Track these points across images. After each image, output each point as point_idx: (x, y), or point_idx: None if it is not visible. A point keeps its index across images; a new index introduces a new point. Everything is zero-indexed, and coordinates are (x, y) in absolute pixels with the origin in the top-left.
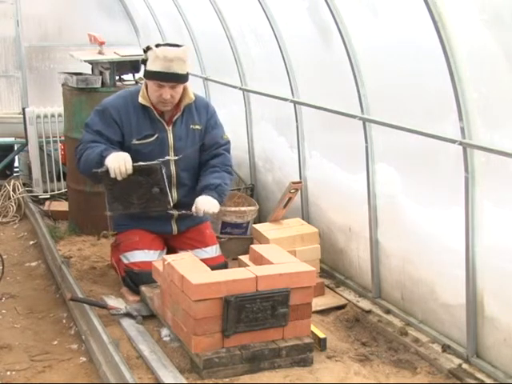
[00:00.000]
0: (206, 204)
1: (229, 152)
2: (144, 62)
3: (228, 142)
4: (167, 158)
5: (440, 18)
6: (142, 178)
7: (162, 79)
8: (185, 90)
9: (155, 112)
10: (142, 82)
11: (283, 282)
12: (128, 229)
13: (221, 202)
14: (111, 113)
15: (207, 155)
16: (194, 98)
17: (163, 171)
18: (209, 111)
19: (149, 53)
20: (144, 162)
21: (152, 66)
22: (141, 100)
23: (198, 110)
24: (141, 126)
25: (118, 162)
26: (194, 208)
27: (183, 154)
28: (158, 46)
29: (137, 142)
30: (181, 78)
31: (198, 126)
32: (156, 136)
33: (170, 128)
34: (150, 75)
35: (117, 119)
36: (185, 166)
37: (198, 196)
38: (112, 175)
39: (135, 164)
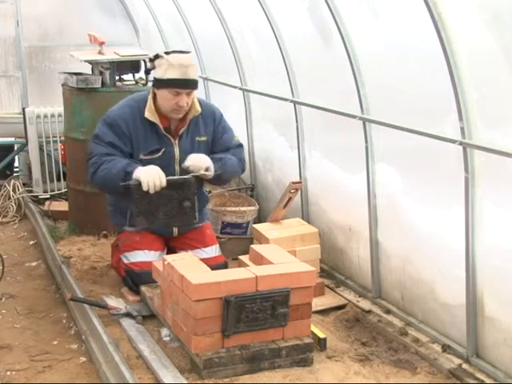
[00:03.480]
0: (197, 159)
1: (241, 154)
2: (149, 71)
3: (240, 145)
4: (198, 173)
5: (440, 18)
6: (174, 191)
7: (180, 86)
8: (192, 101)
9: (162, 128)
10: (143, 82)
11: (283, 282)
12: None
13: (218, 171)
14: (120, 125)
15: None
16: (200, 111)
17: (195, 185)
18: (216, 119)
19: (158, 61)
20: (176, 176)
21: (166, 74)
22: (147, 115)
23: (205, 121)
24: (148, 140)
25: (152, 176)
26: (184, 163)
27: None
28: (167, 53)
29: (143, 158)
30: (196, 84)
31: (203, 138)
32: (163, 151)
33: (176, 142)
34: (165, 84)
35: (126, 132)
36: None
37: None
38: (145, 188)
39: (169, 178)
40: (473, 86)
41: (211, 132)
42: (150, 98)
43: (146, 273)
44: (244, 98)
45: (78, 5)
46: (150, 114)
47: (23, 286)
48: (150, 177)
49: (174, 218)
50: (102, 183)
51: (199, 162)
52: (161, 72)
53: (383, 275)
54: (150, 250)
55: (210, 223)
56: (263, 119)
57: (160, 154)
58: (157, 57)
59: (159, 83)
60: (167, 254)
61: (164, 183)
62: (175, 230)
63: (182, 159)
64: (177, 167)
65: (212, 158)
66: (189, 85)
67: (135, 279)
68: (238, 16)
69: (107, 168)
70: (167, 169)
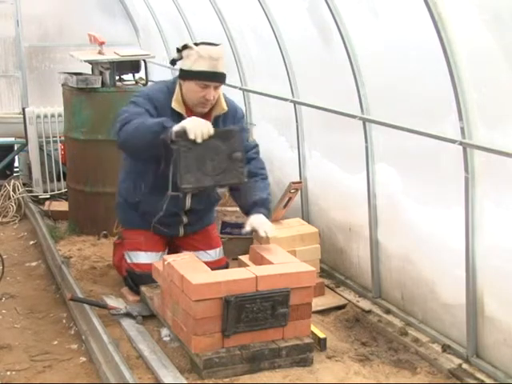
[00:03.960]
0: (264, 225)
1: (259, 154)
2: (175, 61)
3: (256, 146)
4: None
5: (440, 18)
6: (221, 143)
7: (209, 79)
8: (219, 97)
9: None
10: (143, 81)
11: (283, 282)
12: (134, 228)
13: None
14: (156, 105)
15: None
16: (226, 109)
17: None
18: (236, 117)
19: (186, 52)
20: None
21: (194, 65)
22: (174, 105)
23: (226, 119)
24: None
25: (199, 123)
26: (247, 226)
27: None
28: (196, 44)
29: None
30: (225, 78)
31: None
32: None
33: None
34: (192, 75)
35: (157, 113)
36: None
37: (245, 209)
38: (191, 136)
39: (215, 128)
40: (473, 86)
41: None
42: (177, 88)
43: (146, 275)
44: (244, 97)
45: (78, 5)
46: (177, 104)
47: (23, 286)
48: (197, 124)
49: (224, 173)
50: (131, 136)
51: (268, 230)
52: (189, 63)
53: (383, 275)
54: (153, 251)
55: (216, 224)
56: (263, 119)
57: None
58: (185, 47)
59: (187, 74)
60: (169, 252)
61: (212, 130)
62: (181, 230)
63: None
64: None
65: (261, 206)
66: (218, 78)
67: (136, 280)
68: (238, 16)
69: (140, 122)
70: None
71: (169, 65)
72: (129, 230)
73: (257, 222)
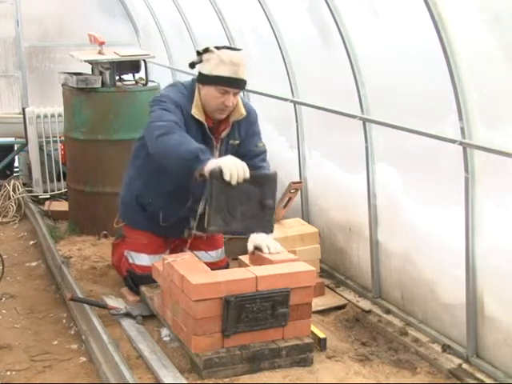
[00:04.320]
0: (266, 241)
1: (265, 161)
2: (194, 64)
3: (264, 151)
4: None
5: (440, 18)
6: (255, 188)
7: (230, 85)
8: (237, 102)
9: (207, 127)
10: (143, 81)
11: (283, 282)
12: (139, 229)
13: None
14: (182, 111)
15: None
16: (244, 114)
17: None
18: (251, 120)
19: (207, 55)
20: (258, 171)
21: (215, 70)
22: (194, 112)
23: (241, 124)
24: (194, 138)
25: (236, 165)
26: (250, 245)
27: None
28: (217, 48)
29: None
30: (245, 85)
31: (237, 141)
32: None
33: (218, 146)
34: (212, 80)
35: (184, 121)
36: None
37: None
38: (227, 178)
39: (251, 171)
40: (473, 86)
41: (244, 134)
42: (196, 94)
43: (147, 276)
44: (244, 97)
45: (78, 5)
46: (196, 111)
47: (23, 285)
48: (234, 166)
49: (252, 219)
50: (166, 152)
51: (272, 247)
52: (209, 67)
53: (383, 275)
54: (155, 254)
55: None
56: (263, 119)
57: None
58: (206, 50)
59: (206, 79)
60: (171, 251)
61: (248, 174)
62: (186, 232)
63: None
64: None
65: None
66: (238, 84)
67: (136, 281)
68: (238, 16)
69: (178, 142)
70: None
71: (169, 65)
72: (132, 229)
73: (259, 239)
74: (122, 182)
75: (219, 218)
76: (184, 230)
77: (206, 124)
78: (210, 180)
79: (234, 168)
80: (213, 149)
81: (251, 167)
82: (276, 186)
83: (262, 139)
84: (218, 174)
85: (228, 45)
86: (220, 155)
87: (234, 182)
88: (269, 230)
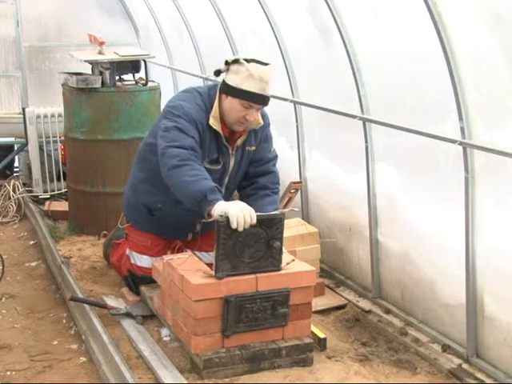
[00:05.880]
0: None
1: (275, 166)
2: (220, 72)
3: (276, 156)
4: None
5: (440, 18)
6: (262, 230)
7: (256, 101)
8: None
9: (223, 137)
10: (143, 81)
11: (283, 282)
12: (143, 231)
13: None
14: (198, 126)
15: (254, 170)
16: (262, 124)
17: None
18: (264, 126)
19: (236, 67)
20: (264, 213)
21: (243, 84)
22: (212, 122)
23: (257, 130)
24: (210, 148)
25: (243, 212)
26: None
27: (234, 180)
28: (247, 61)
29: (207, 166)
30: (269, 101)
31: (253, 148)
32: (222, 163)
33: (233, 153)
34: (239, 94)
35: (200, 134)
36: (233, 187)
37: None
38: (234, 226)
39: (258, 214)
40: (473, 86)
41: (258, 141)
42: (216, 103)
43: (147, 277)
44: None
45: (77, 5)
46: (214, 121)
47: (23, 285)
48: (240, 213)
49: (260, 260)
50: (175, 185)
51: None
52: (237, 80)
53: (383, 275)
54: (158, 256)
55: None
56: None
57: (220, 166)
58: (235, 62)
59: (232, 91)
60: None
61: (254, 220)
62: (190, 235)
63: (233, 171)
64: (226, 179)
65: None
66: (264, 101)
67: (136, 281)
68: (238, 16)
69: (190, 177)
70: (219, 181)
71: (169, 65)
72: (136, 230)
73: None
74: (127, 182)
75: (227, 262)
76: (188, 234)
77: (222, 135)
78: (217, 227)
79: (240, 215)
80: (228, 157)
81: (264, 172)
82: (283, 227)
83: (273, 143)
84: (224, 223)
85: (258, 59)
86: (235, 162)
87: (240, 229)
88: (277, 267)
